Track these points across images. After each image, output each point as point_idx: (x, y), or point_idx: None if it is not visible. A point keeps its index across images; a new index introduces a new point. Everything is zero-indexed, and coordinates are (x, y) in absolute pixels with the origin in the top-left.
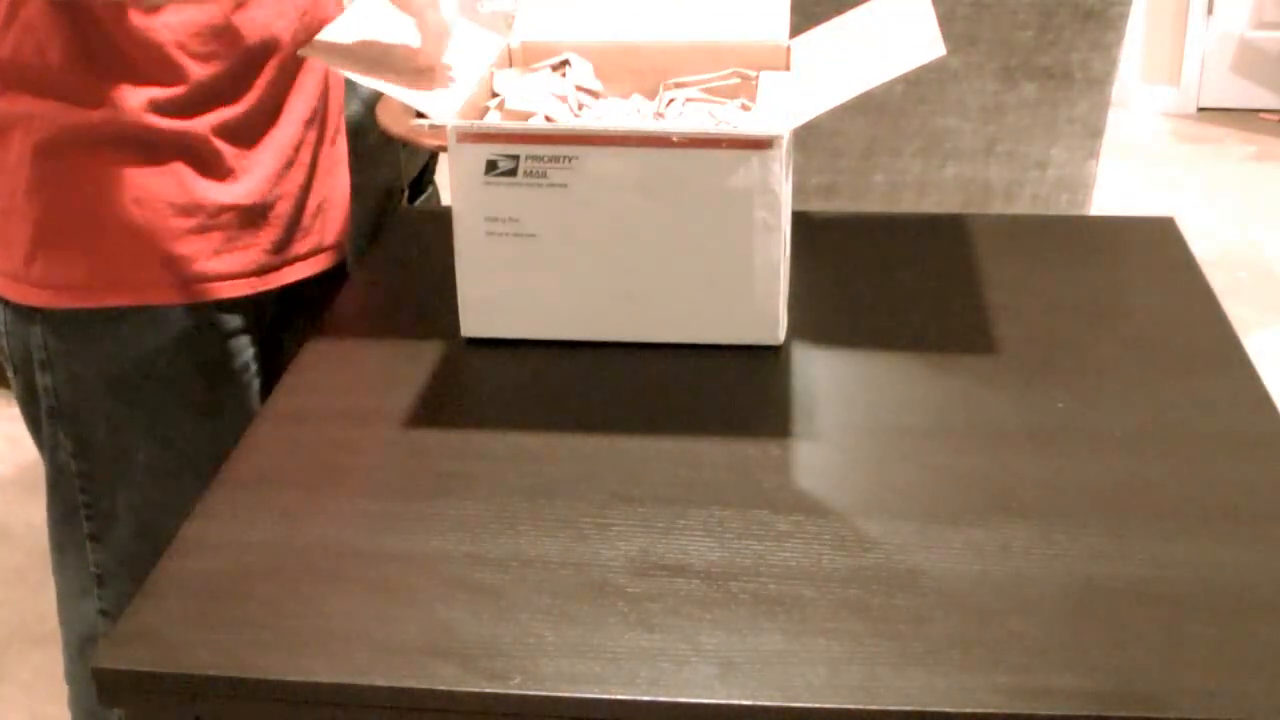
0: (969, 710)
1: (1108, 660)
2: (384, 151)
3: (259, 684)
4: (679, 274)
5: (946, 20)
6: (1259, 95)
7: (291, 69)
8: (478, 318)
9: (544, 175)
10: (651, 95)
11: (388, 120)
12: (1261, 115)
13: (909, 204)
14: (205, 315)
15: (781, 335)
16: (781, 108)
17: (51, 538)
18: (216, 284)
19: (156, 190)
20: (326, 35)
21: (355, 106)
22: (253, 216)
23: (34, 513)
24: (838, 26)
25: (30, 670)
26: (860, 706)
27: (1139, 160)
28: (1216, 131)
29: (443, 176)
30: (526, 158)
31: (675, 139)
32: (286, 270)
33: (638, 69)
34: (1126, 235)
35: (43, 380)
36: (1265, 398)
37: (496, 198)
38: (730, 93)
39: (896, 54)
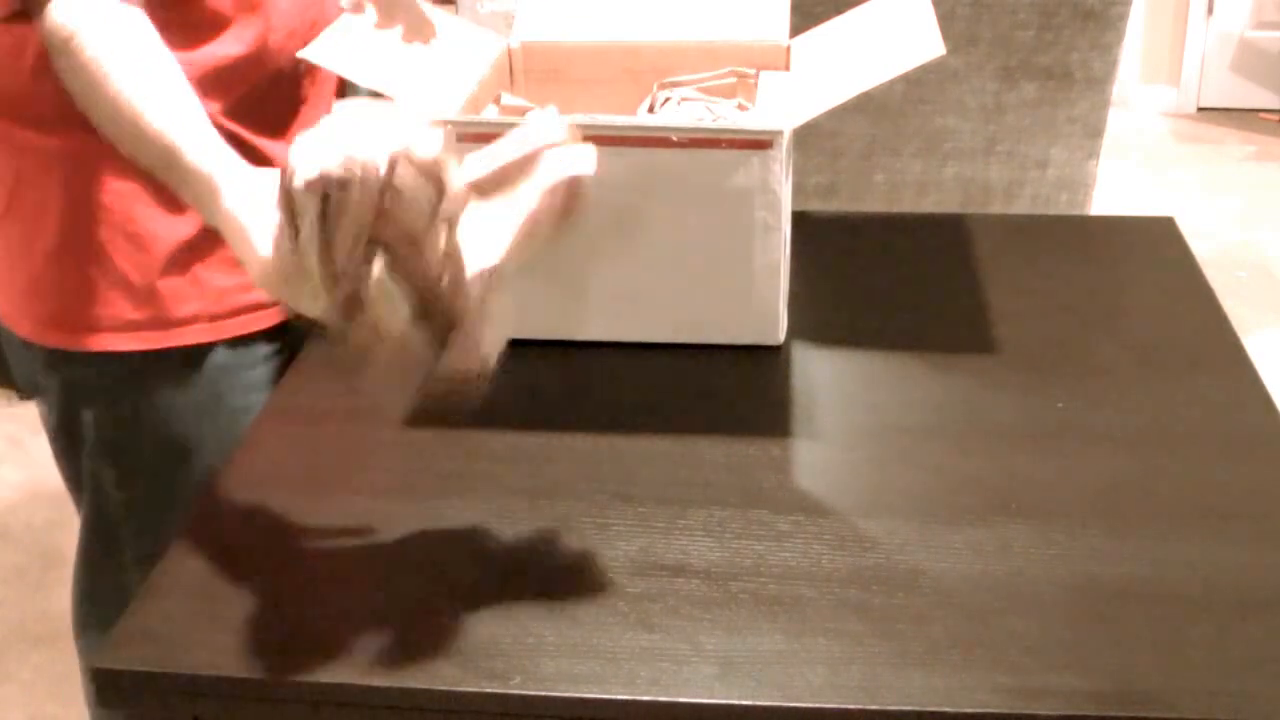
0: (969, 710)
1: (1108, 660)
2: None
3: (259, 684)
4: (679, 274)
5: (946, 20)
6: (1259, 95)
7: (306, 88)
8: None
9: None
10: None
11: None
12: (1261, 115)
13: (909, 204)
14: (247, 342)
15: (781, 335)
16: (781, 107)
17: (83, 567)
18: (257, 314)
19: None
20: (323, 39)
21: None
22: None
23: (34, 513)
24: (838, 26)
25: (30, 670)
26: (860, 706)
27: (1139, 160)
28: (1216, 131)
29: None
30: None
31: (675, 139)
32: None
33: (637, 69)
34: (1126, 235)
35: (85, 416)
36: (1265, 398)
37: None
38: (727, 92)
39: (896, 54)
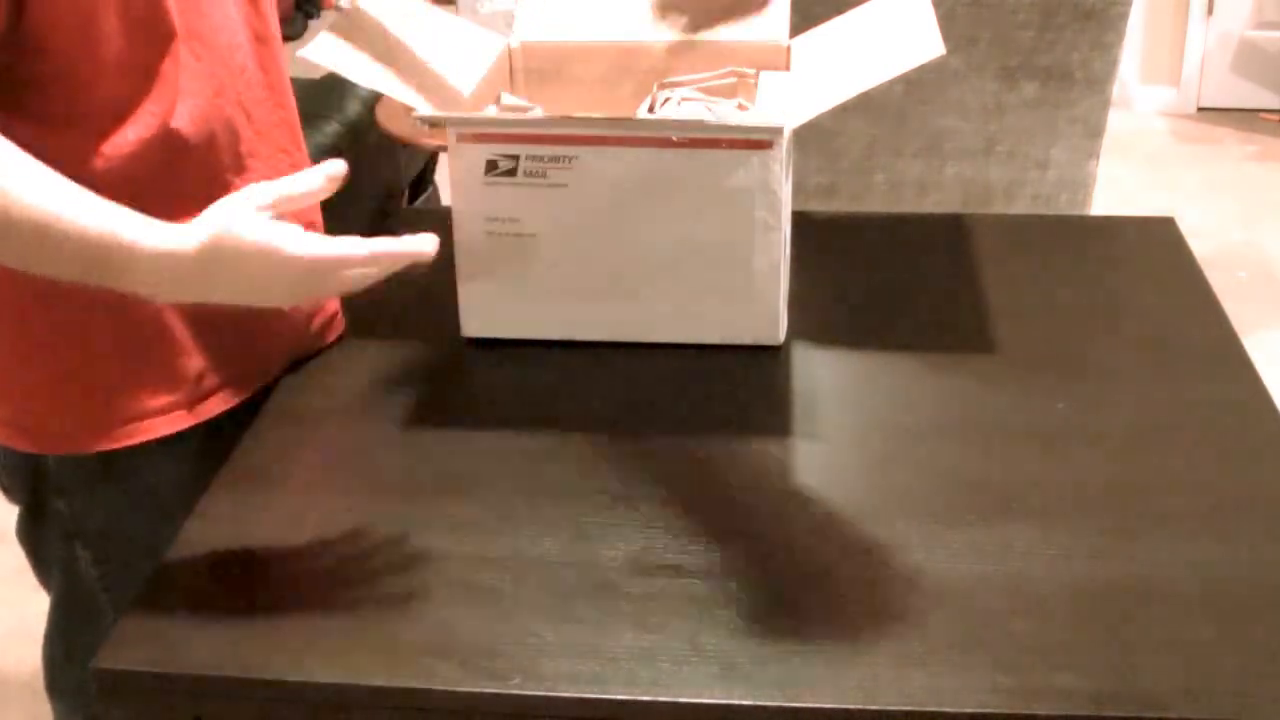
0: (969, 710)
1: (1108, 660)
2: (384, 151)
3: (259, 684)
4: (679, 274)
5: (947, 20)
6: (1259, 95)
7: (239, 161)
8: (478, 318)
9: (544, 175)
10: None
11: (387, 120)
12: (1261, 115)
13: (909, 204)
14: (228, 416)
15: (782, 335)
16: (781, 107)
17: (59, 632)
18: (232, 390)
19: (159, 310)
20: (321, 39)
21: (355, 107)
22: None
23: None
24: (838, 26)
25: (30, 670)
26: (860, 706)
27: (1139, 160)
28: (1216, 131)
29: (442, 176)
30: (526, 158)
31: (675, 139)
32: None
33: (637, 69)
34: (1126, 235)
35: (56, 505)
36: (1265, 398)
37: (496, 198)
38: (727, 92)
39: (896, 54)
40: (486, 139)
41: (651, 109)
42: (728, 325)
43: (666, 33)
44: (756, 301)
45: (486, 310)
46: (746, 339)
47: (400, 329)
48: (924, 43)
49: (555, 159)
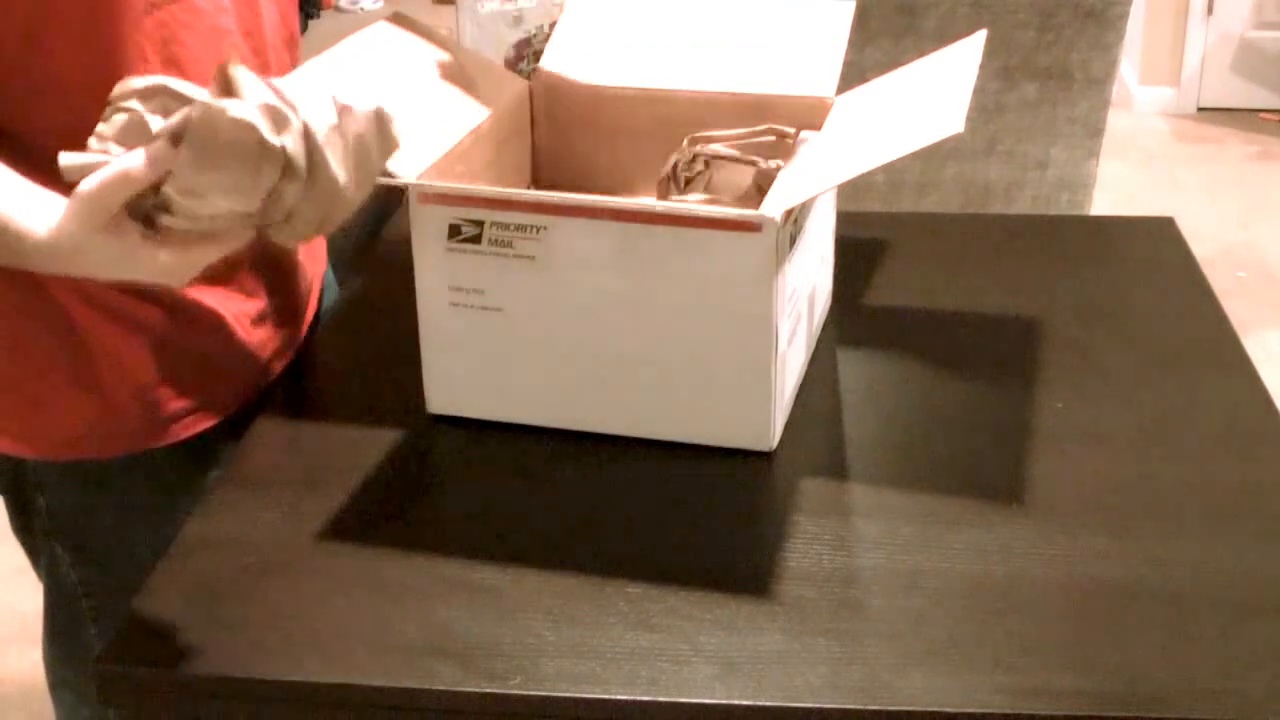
0: (969, 710)
1: (1108, 660)
2: None
3: (259, 684)
4: (657, 365)
5: (946, 20)
6: (1259, 95)
7: None
8: (443, 394)
9: (509, 245)
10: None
11: None
12: (1261, 115)
13: (909, 204)
14: (203, 439)
15: (774, 441)
16: (784, 184)
17: (51, 633)
18: (208, 413)
19: (150, 325)
20: (307, 70)
21: None
22: (240, 321)
23: None
24: (881, 86)
25: (30, 670)
26: (860, 706)
27: (1139, 160)
28: (1216, 131)
29: None
30: (491, 224)
31: (657, 214)
32: (284, 355)
33: (668, 120)
34: (1126, 235)
35: (37, 501)
36: (1265, 398)
37: (460, 265)
38: (766, 151)
39: (914, 128)
40: (448, 201)
41: (675, 168)
42: (712, 425)
43: (705, 82)
44: (742, 402)
45: (452, 386)
46: (733, 442)
47: (400, 329)
48: (945, 117)
49: (522, 228)
